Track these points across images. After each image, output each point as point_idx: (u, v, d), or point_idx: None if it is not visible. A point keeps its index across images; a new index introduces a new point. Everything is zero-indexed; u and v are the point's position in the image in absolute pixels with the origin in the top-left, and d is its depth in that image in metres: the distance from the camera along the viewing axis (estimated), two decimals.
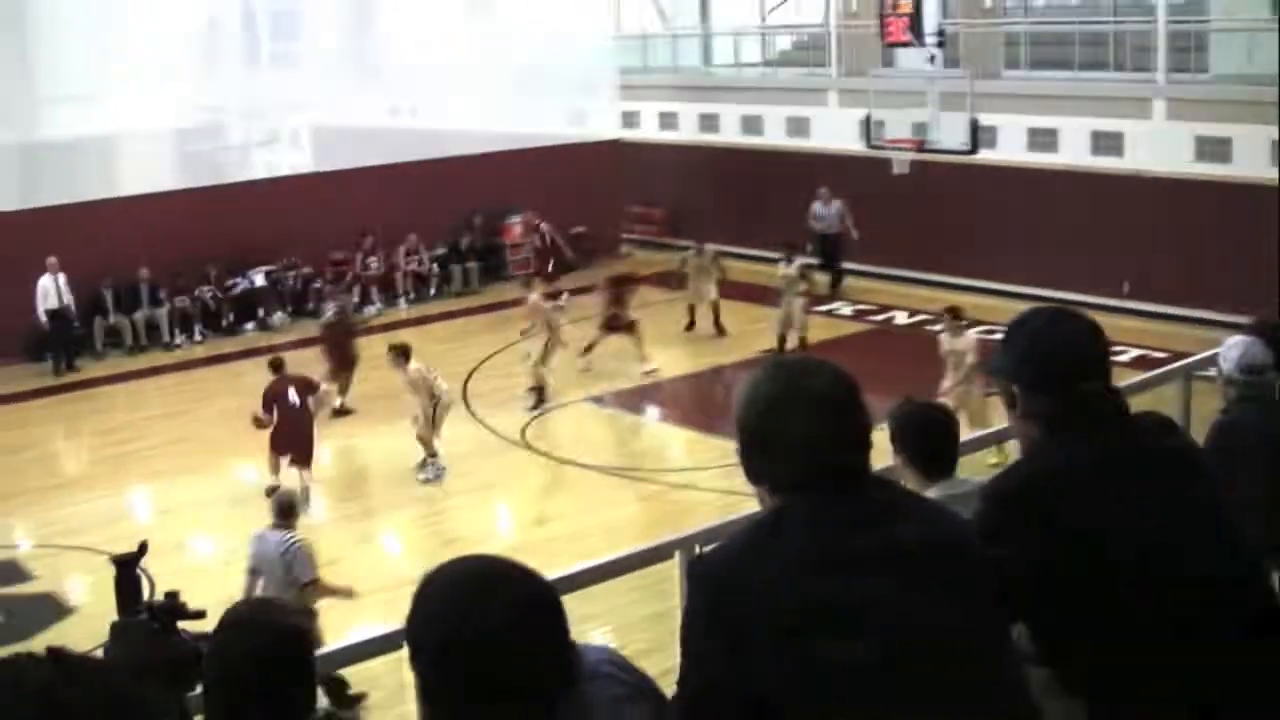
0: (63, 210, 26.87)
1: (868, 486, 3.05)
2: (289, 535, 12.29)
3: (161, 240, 26.67)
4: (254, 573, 12.31)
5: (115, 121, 31.40)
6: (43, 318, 25.03)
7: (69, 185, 29.09)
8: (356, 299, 28.80)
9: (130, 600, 3.64)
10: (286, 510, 12.51)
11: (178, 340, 27.07)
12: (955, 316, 18.91)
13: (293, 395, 18.52)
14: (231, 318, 27.97)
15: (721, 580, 2.98)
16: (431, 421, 19.00)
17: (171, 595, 3.65)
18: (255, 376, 25.07)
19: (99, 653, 3.30)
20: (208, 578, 15.41)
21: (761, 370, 3.12)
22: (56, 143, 30.94)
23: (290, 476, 17.93)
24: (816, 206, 28.53)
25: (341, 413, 21.71)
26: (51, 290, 25.04)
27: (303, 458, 18.35)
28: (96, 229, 26.18)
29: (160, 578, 13.99)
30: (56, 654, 2.04)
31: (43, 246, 24.91)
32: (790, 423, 2.99)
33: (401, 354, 18.97)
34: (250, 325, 28.07)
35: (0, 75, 30.87)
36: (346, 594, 12.77)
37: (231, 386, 24.18)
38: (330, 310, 23.39)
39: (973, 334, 18.79)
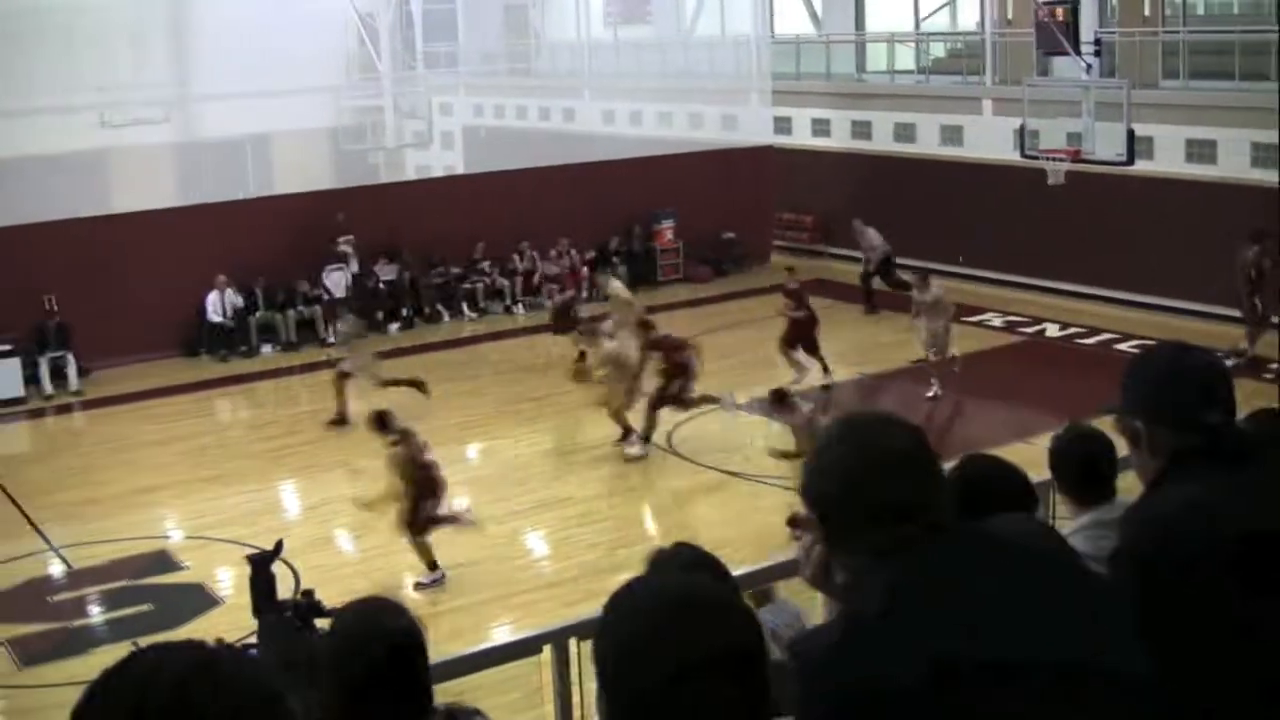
0: (219, 207, 27.32)
1: (962, 541, 2.88)
2: None
3: (315, 238, 27.02)
4: None
5: (271, 121, 31.95)
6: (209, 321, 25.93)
7: (225, 183, 29.63)
8: (508, 300, 29.11)
9: (264, 598, 3.67)
10: None
11: (330, 337, 27.32)
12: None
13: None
14: (381, 316, 28.22)
15: (848, 689, 2.69)
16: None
17: (308, 593, 3.67)
18: (408, 374, 25.35)
19: (242, 644, 3.33)
20: (353, 573, 15.62)
21: (829, 434, 2.98)
22: (213, 141, 31.56)
23: None
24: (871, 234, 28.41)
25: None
26: (218, 305, 25.78)
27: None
28: (252, 226, 26.60)
29: (305, 573, 14.11)
30: (195, 647, 2.05)
31: (198, 243, 25.36)
32: (876, 488, 2.81)
33: None
34: (395, 324, 28.35)
35: (159, 75, 31.55)
36: None
37: None
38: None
39: None
